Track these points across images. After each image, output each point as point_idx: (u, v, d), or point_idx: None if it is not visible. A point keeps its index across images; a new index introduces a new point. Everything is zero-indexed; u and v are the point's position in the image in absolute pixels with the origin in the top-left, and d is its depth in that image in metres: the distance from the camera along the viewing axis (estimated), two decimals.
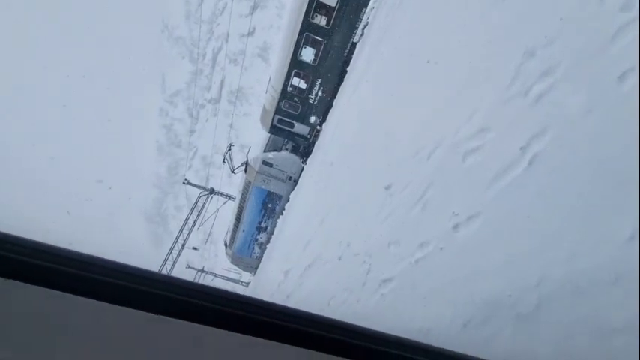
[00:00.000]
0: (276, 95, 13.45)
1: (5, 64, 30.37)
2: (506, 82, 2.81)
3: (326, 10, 11.41)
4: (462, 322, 2.39)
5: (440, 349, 0.95)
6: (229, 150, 17.40)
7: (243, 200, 18.00)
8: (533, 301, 2.00)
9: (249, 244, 20.01)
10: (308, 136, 14.66)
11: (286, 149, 16.67)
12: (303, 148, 15.82)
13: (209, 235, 21.84)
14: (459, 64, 3.79)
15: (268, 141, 16.76)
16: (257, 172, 16.34)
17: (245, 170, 16.83)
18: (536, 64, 2.59)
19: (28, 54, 30.74)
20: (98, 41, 30.62)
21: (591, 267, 1.80)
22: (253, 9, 29.51)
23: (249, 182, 16.98)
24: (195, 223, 20.45)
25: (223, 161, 17.68)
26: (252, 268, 21.63)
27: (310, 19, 11.54)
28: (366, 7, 11.38)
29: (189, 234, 19.98)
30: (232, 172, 17.42)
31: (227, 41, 30.74)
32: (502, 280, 2.23)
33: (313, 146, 14.45)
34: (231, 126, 31.27)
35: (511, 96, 2.72)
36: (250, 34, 29.97)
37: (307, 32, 11.79)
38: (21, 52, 30.57)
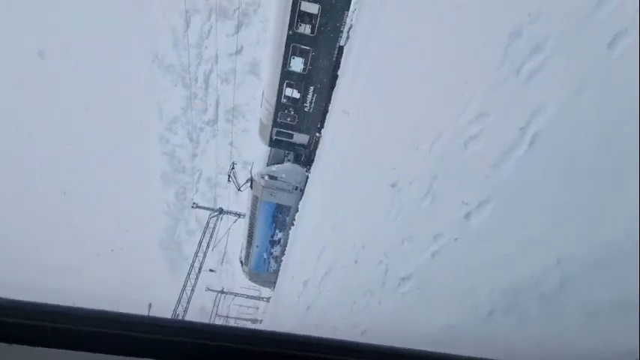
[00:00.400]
0: (272, 108, 13.55)
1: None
2: (496, 65, 2.81)
3: (309, 18, 11.53)
4: (487, 310, 2.35)
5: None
6: (233, 168, 17.50)
7: (253, 216, 18.03)
8: (556, 281, 1.97)
9: (265, 258, 19.99)
10: (308, 145, 14.71)
11: (288, 160, 16.73)
12: (305, 157, 15.86)
13: (224, 255, 21.86)
14: (448, 53, 3.79)
15: (270, 154, 16.85)
16: (263, 187, 16.39)
17: (251, 186, 16.89)
18: (524, 43, 2.58)
19: (29, 100, 31.49)
20: (90, 78, 31.24)
21: (611, 240, 1.76)
22: (238, 27, 29.89)
23: (257, 197, 17.02)
24: (208, 245, 20.51)
25: (228, 180, 17.78)
26: (271, 282, 21.57)
27: (295, 30, 11.66)
28: (347, 9, 11.48)
29: (204, 257, 20.04)
30: (238, 189, 17.50)
31: (217, 62, 31.12)
32: (521, 263, 2.19)
33: (315, 153, 14.49)
34: (231, 144, 31.49)
35: (503, 77, 2.71)
36: (238, 52, 30.32)
37: (294, 43, 11.91)
38: (20, 98, 31.34)
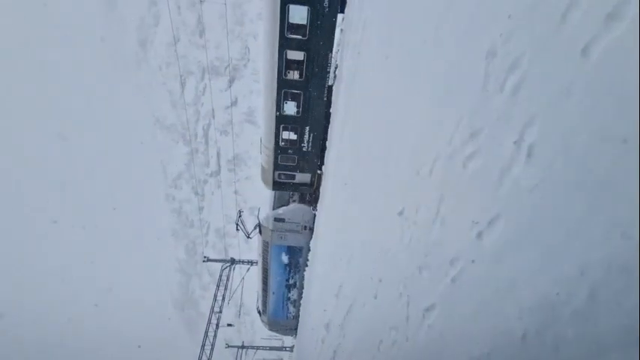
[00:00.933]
0: (271, 153, 13.86)
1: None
2: (480, 85, 2.89)
3: (296, 64, 12.15)
4: (520, 335, 2.22)
5: None
6: (240, 216, 17.53)
7: (265, 262, 17.74)
8: (585, 292, 1.87)
9: (283, 304, 19.36)
10: (311, 183, 14.83)
11: (294, 201, 16.79)
12: (310, 195, 15.91)
13: (240, 306, 21.22)
14: (431, 79, 3.93)
15: (274, 197, 16.94)
16: (272, 231, 16.29)
17: (260, 232, 16.80)
18: (501, 61, 2.68)
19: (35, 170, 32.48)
20: (95, 148, 32.43)
21: (630, 241, 1.70)
22: (230, 82, 31.45)
23: (267, 242, 16.86)
24: (224, 298, 19.99)
25: (237, 229, 17.74)
26: (292, 330, 20.69)
27: (284, 77, 12.24)
28: (331, 51, 12.10)
29: (220, 312, 19.44)
30: (248, 237, 17.40)
31: (214, 116, 32.37)
32: (544, 278, 2.11)
33: (319, 190, 14.55)
34: (236, 192, 31.80)
35: (488, 96, 2.78)
36: (233, 104, 31.62)
37: (284, 89, 12.45)
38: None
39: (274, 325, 20.92)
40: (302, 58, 11.91)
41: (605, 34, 1.87)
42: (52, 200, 32.96)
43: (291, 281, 18.30)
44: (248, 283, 21.23)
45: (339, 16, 11.49)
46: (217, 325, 18.95)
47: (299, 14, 11.28)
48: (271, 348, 25.90)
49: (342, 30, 11.73)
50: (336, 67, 12.65)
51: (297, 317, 19.24)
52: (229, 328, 22.82)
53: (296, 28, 11.45)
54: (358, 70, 8.21)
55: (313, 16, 11.24)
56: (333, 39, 11.85)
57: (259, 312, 21.17)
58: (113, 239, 34.58)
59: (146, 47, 31.22)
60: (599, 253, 1.86)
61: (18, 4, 28.18)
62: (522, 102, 2.38)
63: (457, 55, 3.40)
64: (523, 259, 2.28)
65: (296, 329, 19.99)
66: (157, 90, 31.87)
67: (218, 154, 33.91)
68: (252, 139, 29.27)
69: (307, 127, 13.28)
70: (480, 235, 2.76)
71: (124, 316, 36.12)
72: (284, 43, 11.54)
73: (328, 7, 11.21)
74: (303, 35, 11.52)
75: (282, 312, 19.58)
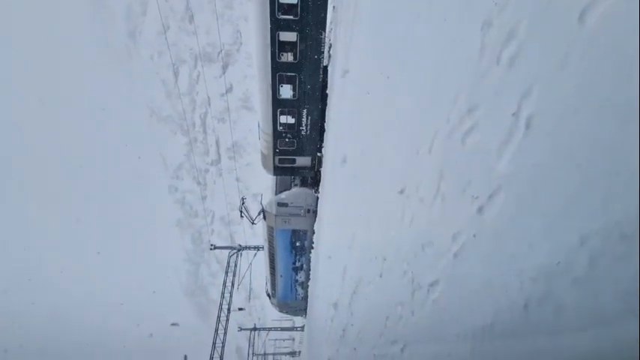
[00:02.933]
0: (270, 138, 13.76)
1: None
2: (476, 57, 2.83)
3: (290, 46, 11.87)
4: (522, 304, 2.27)
5: None
6: (243, 203, 17.63)
7: (271, 246, 17.98)
8: (584, 262, 1.90)
9: (291, 287, 19.77)
10: (312, 166, 14.80)
11: (296, 184, 16.81)
12: (311, 178, 15.92)
13: (250, 291, 21.68)
14: (426, 55, 3.84)
15: (276, 182, 16.97)
16: (275, 215, 16.41)
17: (264, 217, 16.94)
18: (497, 32, 2.61)
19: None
20: (95, 144, 32.37)
21: (630, 210, 1.71)
22: (224, 68, 30.89)
23: (272, 227, 17.02)
24: (233, 284, 20.40)
25: (241, 216, 17.87)
26: (302, 310, 21.20)
27: (278, 60, 11.99)
28: (324, 30, 11.79)
29: (230, 296, 19.88)
30: (252, 223, 17.55)
31: (210, 104, 31.99)
32: (545, 249, 2.13)
33: (320, 173, 14.54)
34: (237, 180, 31.84)
35: (485, 68, 2.72)
36: (229, 90, 31.18)
37: (279, 72, 12.22)
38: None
39: (284, 306, 21.43)
40: (295, 40, 11.63)
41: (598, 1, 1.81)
42: (49, 196, 33.27)
43: (297, 264, 18.61)
44: (256, 268, 21.60)
45: None
46: (229, 310, 19.43)
47: None
48: (282, 329, 26.64)
49: (334, 7, 11.40)
50: (330, 47, 12.37)
51: (305, 298, 19.69)
52: (241, 312, 23.40)
53: (287, 7, 11.12)
54: (352, 49, 8.03)
55: None
56: (326, 18, 11.52)
57: (269, 295, 21.65)
58: (117, 234, 35.05)
59: (135, 37, 30.54)
60: (599, 223, 1.87)
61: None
62: (519, 73, 2.34)
63: (452, 27, 3.31)
64: (523, 231, 2.31)
65: (305, 310, 20.49)
66: (150, 81, 31.42)
67: (217, 143, 33.75)
68: (250, 125, 29.02)
69: (305, 110, 13.13)
70: (480, 209, 2.78)
71: (134, 309, 37.07)
72: (275, 25, 11.24)
73: None
74: (295, 15, 11.20)
75: (291, 294, 20.02)
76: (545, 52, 2.12)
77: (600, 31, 1.81)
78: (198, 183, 34.88)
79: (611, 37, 1.76)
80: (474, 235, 2.88)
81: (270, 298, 21.68)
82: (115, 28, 30.18)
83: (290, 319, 27.59)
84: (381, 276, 5.18)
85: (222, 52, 30.33)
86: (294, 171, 15.24)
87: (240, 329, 24.56)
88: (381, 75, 5.36)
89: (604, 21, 1.80)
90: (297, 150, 14.17)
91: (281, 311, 22.23)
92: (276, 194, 16.67)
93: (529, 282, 2.22)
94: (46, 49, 29.11)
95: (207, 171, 34.90)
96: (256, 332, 25.21)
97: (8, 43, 28.50)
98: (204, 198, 34.25)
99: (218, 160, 34.35)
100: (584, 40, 1.88)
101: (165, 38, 27.06)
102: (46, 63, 29.45)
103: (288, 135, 13.77)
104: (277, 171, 15.00)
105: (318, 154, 14.27)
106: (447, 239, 3.26)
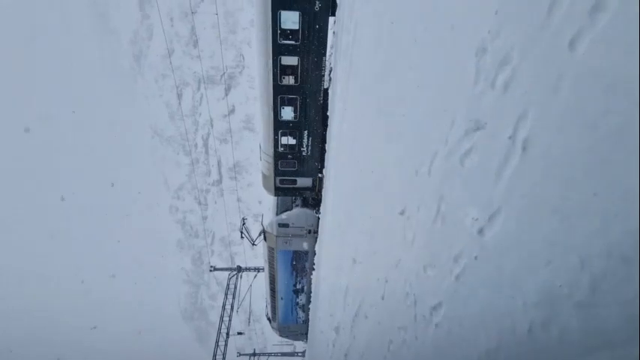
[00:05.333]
0: (271, 159, 13.88)
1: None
2: (471, 82, 2.91)
3: (291, 69, 12.20)
4: (526, 328, 2.23)
5: None
6: (244, 224, 17.56)
7: (271, 268, 17.74)
8: (586, 284, 1.88)
9: (292, 309, 19.35)
10: (313, 186, 14.83)
11: (297, 205, 16.77)
12: (312, 199, 15.92)
13: (250, 314, 21.20)
14: (424, 78, 3.95)
15: (277, 203, 16.94)
16: (276, 236, 16.29)
17: (264, 238, 16.81)
18: (491, 58, 2.70)
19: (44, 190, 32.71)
20: (99, 166, 32.65)
21: (631, 229, 1.71)
22: (227, 90, 31.59)
23: (272, 248, 16.86)
24: (232, 306, 19.99)
25: (241, 236, 17.75)
26: (302, 334, 20.65)
27: (280, 83, 12.29)
28: (325, 55, 12.15)
29: (230, 320, 19.43)
30: (253, 244, 17.41)
31: (212, 126, 32.49)
32: (546, 271, 2.12)
33: (321, 194, 14.55)
34: (238, 200, 31.85)
35: (480, 92, 2.80)
36: (231, 112, 31.74)
37: (280, 95, 12.49)
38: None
39: (284, 330, 20.88)
40: (296, 63, 11.96)
41: (590, 26, 1.89)
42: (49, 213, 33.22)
43: (298, 286, 18.29)
44: (256, 290, 21.23)
45: (331, 19, 11.53)
46: (228, 334, 18.94)
47: (291, 19, 11.33)
48: (283, 354, 25.83)
49: (334, 33, 11.79)
50: (330, 70, 12.69)
51: (306, 321, 19.21)
52: (240, 336, 22.80)
53: (288, 33, 11.51)
54: (352, 73, 8.24)
55: (305, 20, 11.29)
56: (326, 42, 11.89)
57: (269, 319, 21.15)
58: (118, 252, 34.74)
59: (140, 61, 31.44)
60: (599, 244, 1.87)
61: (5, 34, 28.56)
62: (514, 97, 2.40)
63: (448, 52, 3.42)
64: (524, 253, 2.30)
65: (306, 334, 19.95)
66: (154, 102, 32.07)
67: (219, 163, 34.01)
68: (252, 145, 29.37)
69: (305, 132, 13.31)
70: (481, 230, 2.77)
71: (131, 330, 36.22)
72: (277, 50, 11.60)
73: (319, 10, 11.26)
74: (296, 40, 11.57)
75: (292, 317, 19.55)
76: (538, 76, 2.19)
77: (589, 58, 1.88)
78: (199, 203, 34.86)
79: (600, 63, 1.83)
80: (476, 257, 2.86)
81: (270, 321, 21.16)
82: (121, 51, 31.13)
83: (291, 344, 26.82)
84: (383, 298, 5.10)
85: (225, 74, 31.10)
86: (295, 191, 15.27)
87: (240, 354, 23.83)
88: (379, 97, 5.48)
89: (592, 47, 1.87)
90: (298, 171, 14.25)
91: (281, 335, 21.63)
92: (277, 215, 16.61)
93: (532, 305, 2.19)
94: (54, 70, 29.92)
95: (208, 191, 34.98)
96: (256, 358, 24.43)
97: (18, 63, 29.35)
98: (204, 218, 34.16)
99: (219, 181, 34.50)
100: (574, 65, 1.94)
101: (170, 62, 27.85)
102: (52, 82, 30.18)
103: (289, 156, 13.90)
104: (278, 192, 15.03)
105: (319, 174, 14.35)
106: (449, 261, 3.23)
